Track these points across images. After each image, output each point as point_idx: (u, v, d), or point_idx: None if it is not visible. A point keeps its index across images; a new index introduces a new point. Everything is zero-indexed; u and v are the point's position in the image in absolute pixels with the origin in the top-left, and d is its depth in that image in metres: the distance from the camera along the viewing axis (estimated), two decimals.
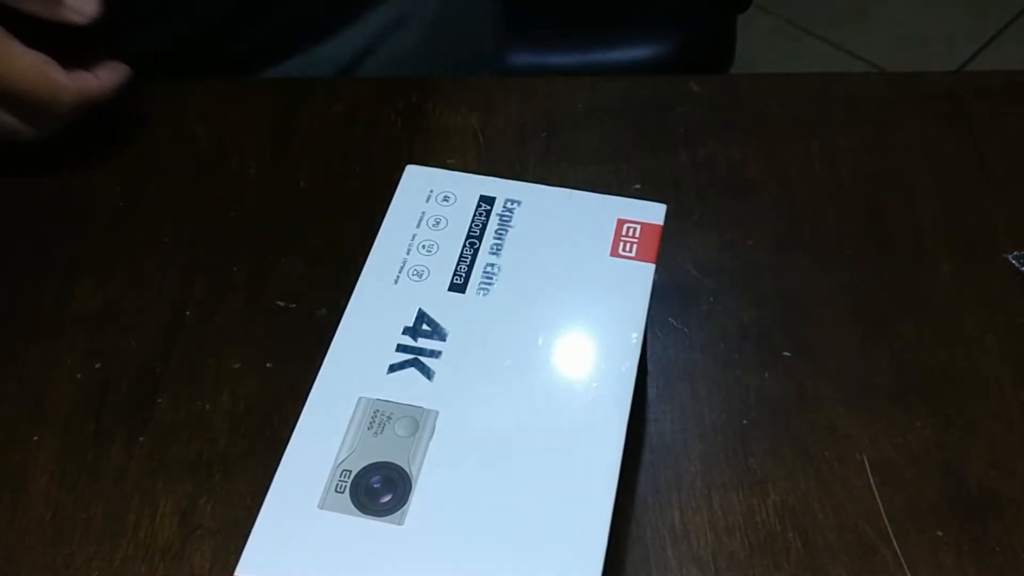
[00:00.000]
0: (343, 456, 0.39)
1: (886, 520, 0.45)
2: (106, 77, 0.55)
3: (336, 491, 0.38)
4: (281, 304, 0.53)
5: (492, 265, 0.44)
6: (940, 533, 0.45)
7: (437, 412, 0.40)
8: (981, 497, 0.46)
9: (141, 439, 0.48)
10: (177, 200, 0.57)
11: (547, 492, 0.38)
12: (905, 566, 0.44)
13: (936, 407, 0.49)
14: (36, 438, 0.48)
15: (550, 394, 0.40)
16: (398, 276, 0.44)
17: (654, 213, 0.46)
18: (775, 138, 0.60)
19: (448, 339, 0.42)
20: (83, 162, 0.59)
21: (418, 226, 0.46)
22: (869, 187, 0.58)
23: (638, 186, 0.58)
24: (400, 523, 0.37)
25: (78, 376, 0.50)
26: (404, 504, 0.38)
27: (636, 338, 0.42)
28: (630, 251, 0.45)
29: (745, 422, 0.48)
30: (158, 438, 0.48)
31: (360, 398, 0.40)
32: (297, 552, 0.37)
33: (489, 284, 0.44)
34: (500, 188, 0.47)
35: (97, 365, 0.50)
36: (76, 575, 0.44)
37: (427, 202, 0.47)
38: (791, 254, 0.55)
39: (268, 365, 0.50)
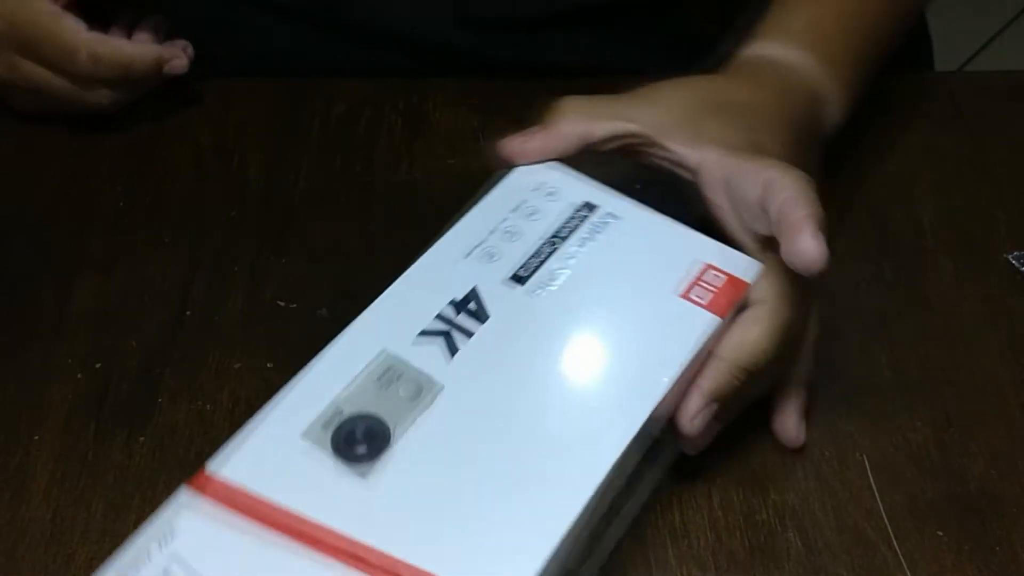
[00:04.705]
0: (343, 396, 0.39)
1: (886, 520, 0.45)
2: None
3: (323, 426, 0.38)
4: (281, 304, 0.53)
5: (561, 269, 0.43)
6: (940, 533, 0.45)
7: (443, 387, 0.40)
8: (981, 497, 0.46)
9: (141, 439, 0.47)
10: (177, 200, 0.57)
11: (515, 491, 0.37)
12: (905, 566, 0.44)
13: (936, 407, 0.49)
14: (36, 438, 0.47)
15: (557, 406, 0.40)
16: (471, 251, 0.44)
17: (746, 269, 0.44)
18: None
19: (487, 324, 0.42)
20: (83, 162, 0.59)
21: (514, 211, 0.46)
22: (869, 187, 0.58)
23: (638, 186, 0.58)
24: (364, 476, 0.37)
25: (78, 376, 0.50)
26: (375, 460, 0.38)
27: (665, 383, 0.40)
28: (703, 298, 0.43)
29: (745, 422, 0.48)
30: (158, 438, 0.48)
31: (383, 350, 0.40)
32: (264, 467, 0.37)
33: (549, 285, 0.43)
34: (607, 200, 0.46)
35: (97, 365, 0.50)
36: (76, 575, 0.43)
37: (532, 191, 0.46)
38: None
39: (268, 365, 0.50)
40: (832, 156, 0.57)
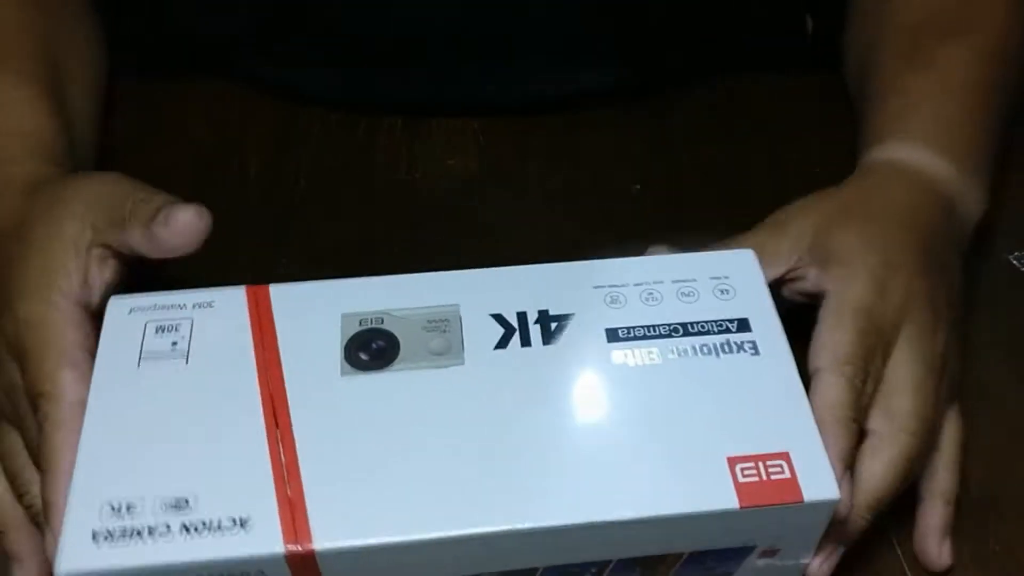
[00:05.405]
0: (397, 312, 0.41)
1: (886, 520, 0.45)
2: None
3: (360, 320, 0.40)
4: None
5: (655, 357, 0.40)
6: None
7: (462, 364, 0.39)
8: (981, 497, 0.46)
9: None
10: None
11: (420, 480, 0.36)
12: (905, 566, 0.44)
13: None
14: None
15: (513, 450, 0.37)
16: (606, 287, 0.42)
17: (818, 487, 0.36)
18: (776, 139, 0.60)
19: (544, 348, 0.40)
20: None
21: (676, 280, 0.42)
22: None
23: (638, 187, 0.58)
24: (341, 376, 0.39)
25: None
26: (361, 373, 0.39)
27: (605, 519, 0.36)
28: (744, 477, 0.36)
29: None
30: None
31: (458, 305, 0.41)
32: (299, 311, 0.41)
33: (627, 360, 0.40)
34: (764, 331, 0.41)
35: None
36: None
37: (711, 276, 0.42)
38: None
39: None
40: (833, 157, 0.57)
